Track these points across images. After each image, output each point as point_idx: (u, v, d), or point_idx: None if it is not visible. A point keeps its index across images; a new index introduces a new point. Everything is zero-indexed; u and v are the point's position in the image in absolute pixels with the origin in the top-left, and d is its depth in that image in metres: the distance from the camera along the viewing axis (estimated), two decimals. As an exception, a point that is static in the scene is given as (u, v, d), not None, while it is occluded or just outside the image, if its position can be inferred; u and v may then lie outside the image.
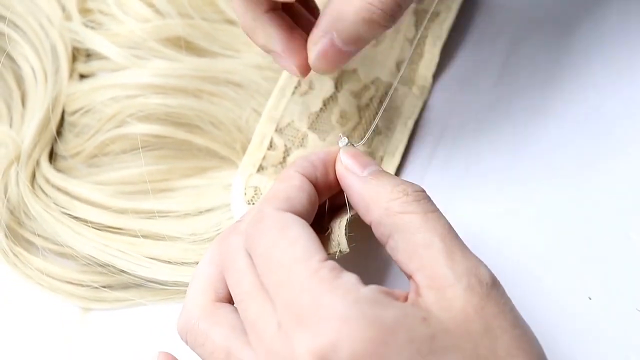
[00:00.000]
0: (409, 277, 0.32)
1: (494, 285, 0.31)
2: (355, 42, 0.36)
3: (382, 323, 0.29)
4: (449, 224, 0.33)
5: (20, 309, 0.45)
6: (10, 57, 0.49)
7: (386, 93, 0.46)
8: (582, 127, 0.46)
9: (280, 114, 0.45)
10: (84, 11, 0.49)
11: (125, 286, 0.44)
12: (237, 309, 0.33)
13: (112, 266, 0.43)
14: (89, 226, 0.44)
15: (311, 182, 0.35)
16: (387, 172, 0.36)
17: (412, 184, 0.35)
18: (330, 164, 0.37)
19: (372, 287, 0.30)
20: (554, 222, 0.44)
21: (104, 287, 0.44)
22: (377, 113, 0.45)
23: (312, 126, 0.45)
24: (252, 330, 0.31)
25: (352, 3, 0.34)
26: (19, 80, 0.49)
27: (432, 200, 0.34)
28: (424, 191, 0.34)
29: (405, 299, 0.31)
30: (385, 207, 0.33)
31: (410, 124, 0.46)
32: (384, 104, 0.41)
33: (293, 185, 0.34)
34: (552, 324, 0.41)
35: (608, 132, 0.46)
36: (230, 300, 0.35)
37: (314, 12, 0.41)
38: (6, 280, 0.45)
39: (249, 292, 0.32)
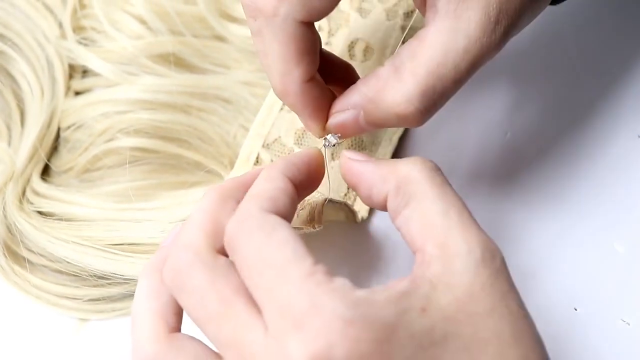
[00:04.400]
0: (416, 251, 0.32)
1: (504, 264, 0.31)
2: (378, 127, 0.36)
3: (383, 322, 0.28)
4: (463, 201, 0.33)
5: (17, 318, 0.45)
6: (10, 76, 0.50)
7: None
8: (566, 140, 0.46)
9: (268, 130, 0.46)
10: (78, 29, 0.50)
11: (122, 297, 0.45)
12: (204, 332, 0.31)
13: (91, 271, 0.43)
14: (66, 224, 0.44)
15: (293, 184, 0.34)
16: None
17: (426, 158, 0.35)
18: (311, 165, 0.36)
19: (366, 290, 0.29)
20: (540, 234, 0.44)
21: (100, 299, 0.44)
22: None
23: (299, 142, 0.46)
24: (228, 350, 0.30)
25: (391, 94, 0.34)
26: (19, 99, 0.50)
27: (444, 174, 0.34)
28: (436, 164, 0.34)
29: (402, 280, 0.30)
30: (406, 174, 0.33)
31: (395, 139, 0.46)
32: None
33: (278, 187, 0.33)
34: (538, 336, 0.41)
35: (593, 144, 0.46)
36: (180, 329, 0.33)
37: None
38: (2, 290, 0.45)
39: (217, 312, 0.30)
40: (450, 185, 0.33)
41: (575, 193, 0.45)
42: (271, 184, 0.33)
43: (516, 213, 0.45)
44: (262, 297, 0.29)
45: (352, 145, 0.45)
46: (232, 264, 0.32)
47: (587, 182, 0.45)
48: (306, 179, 0.36)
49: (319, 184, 0.37)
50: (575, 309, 0.42)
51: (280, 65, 0.35)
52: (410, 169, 0.33)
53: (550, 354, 0.41)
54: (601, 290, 0.42)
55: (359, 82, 0.36)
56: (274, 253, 0.30)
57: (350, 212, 0.44)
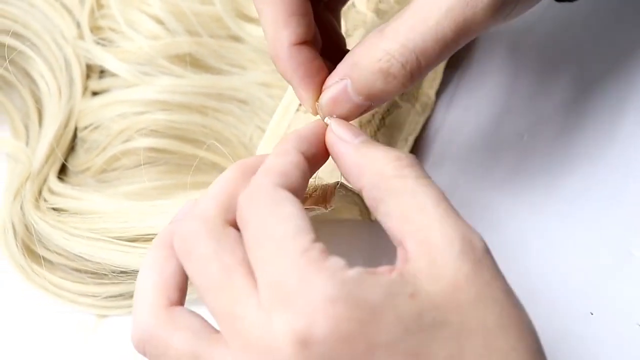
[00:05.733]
0: (398, 244, 0.31)
1: (487, 251, 0.30)
2: (368, 95, 0.34)
3: (369, 303, 0.28)
4: (441, 191, 0.32)
5: (36, 315, 0.46)
6: (28, 76, 0.51)
7: (389, 110, 0.46)
8: (581, 143, 0.46)
9: (284, 130, 0.46)
10: (96, 29, 0.50)
11: None
12: (204, 300, 0.31)
13: (107, 266, 0.44)
14: (80, 218, 0.45)
15: (305, 157, 0.34)
16: (378, 142, 0.35)
17: (405, 152, 0.34)
18: (321, 136, 0.35)
19: (358, 269, 0.29)
20: (556, 238, 0.44)
21: (118, 296, 0.45)
22: (378, 129, 0.45)
23: (314, 142, 0.46)
24: (223, 320, 0.30)
25: (370, 52, 0.33)
26: (37, 99, 0.50)
27: (423, 168, 0.33)
28: (415, 158, 0.33)
29: (391, 272, 0.30)
30: (379, 170, 0.32)
31: (410, 140, 0.46)
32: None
33: (290, 162, 0.33)
34: (554, 339, 0.41)
35: (607, 145, 0.46)
36: (182, 303, 0.33)
37: None
38: (21, 288, 0.46)
39: (217, 281, 0.30)
40: (427, 177, 0.32)
41: (592, 197, 0.45)
42: (283, 159, 0.33)
43: (532, 217, 0.44)
44: (259, 269, 0.30)
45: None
46: (242, 237, 0.32)
47: (604, 186, 0.45)
48: (317, 151, 0.35)
49: (328, 157, 0.36)
50: (591, 313, 0.42)
51: (271, 29, 0.35)
52: (383, 164, 0.32)
53: (566, 358, 0.41)
54: (617, 294, 0.42)
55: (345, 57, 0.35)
56: (276, 227, 0.30)
57: (365, 207, 0.44)
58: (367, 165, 0.33)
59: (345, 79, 0.34)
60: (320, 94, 0.36)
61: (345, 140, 0.34)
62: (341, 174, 0.35)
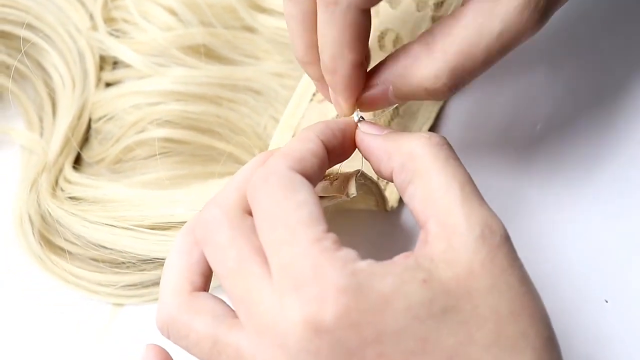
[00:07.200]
0: (422, 226, 0.32)
1: (506, 238, 0.31)
2: (406, 100, 0.36)
3: (377, 293, 0.29)
4: (468, 174, 0.32)
5: (53, 303, 0.46)
6: (42, 68, 0.51)
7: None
8: (595, 132, 0.46)
9: (298, 121, 0.46)
10: (109, 20, 0.50)
11: (157, 282, 0.45)
12: (223, 286, 0.32)
13: (127, 253, 0.44)
14: (99, 206, 0.45)
15: (326, 148, 0.34)
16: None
17: (435, 133, 0.35)
18: (347, 134, 0.36)
19: (369, 260, 0.30)
20: (570, 226, 0.44)
21: (137, 284, 0.45)
22: (392, 119, 0.46)
23: (329, 132, 0.46)
24: (240, 306, 0.31)
25: (421, 70, 0.35)
26: (50, 90, 0.50)
27: (453, 149, 0.33)
28: (445, 138, 0.34)
29: (407, 258, 0.31)
30: (409, 150, 0.33)
31: (425, 129, 0.46)
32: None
33: (309, 149, 0.33)
34: (568, 327, 0.41)
35: (623, 135, 0.46)
36: (206, 289, 0.34)
37: None
38: (38, 277, 0.46)
39: (234, 268, 0.31)
40: (456, 159, 0.33)
41: (606, 184, 0.45)
42: (303, 145, 0.34)
43: (546, 205, 0.45)
44: (271, 252, 0.30)
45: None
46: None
47: (618, 174, 0.45)
48: (340, 145, 0.36)
49: (351, 154, 0.37)
50: (606, 301, 0.42)
51: (334, 48, 0.35)
52: (414, 145, 0.33)
53: (580, 346, 0.41)
54: (632, 282, 0.42)
55: (387, 58, 0.36)
56: (290, 212, 0.30)
57: (381, 197, 0.44)
58: (397, 148, 0.34)
59: (386, 85, 0.36)
60: (355, 102, 0.37)
61: (373, 134, 0.35)
62: (372, 166, 0.35)
